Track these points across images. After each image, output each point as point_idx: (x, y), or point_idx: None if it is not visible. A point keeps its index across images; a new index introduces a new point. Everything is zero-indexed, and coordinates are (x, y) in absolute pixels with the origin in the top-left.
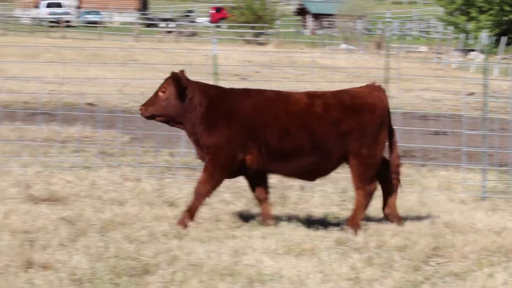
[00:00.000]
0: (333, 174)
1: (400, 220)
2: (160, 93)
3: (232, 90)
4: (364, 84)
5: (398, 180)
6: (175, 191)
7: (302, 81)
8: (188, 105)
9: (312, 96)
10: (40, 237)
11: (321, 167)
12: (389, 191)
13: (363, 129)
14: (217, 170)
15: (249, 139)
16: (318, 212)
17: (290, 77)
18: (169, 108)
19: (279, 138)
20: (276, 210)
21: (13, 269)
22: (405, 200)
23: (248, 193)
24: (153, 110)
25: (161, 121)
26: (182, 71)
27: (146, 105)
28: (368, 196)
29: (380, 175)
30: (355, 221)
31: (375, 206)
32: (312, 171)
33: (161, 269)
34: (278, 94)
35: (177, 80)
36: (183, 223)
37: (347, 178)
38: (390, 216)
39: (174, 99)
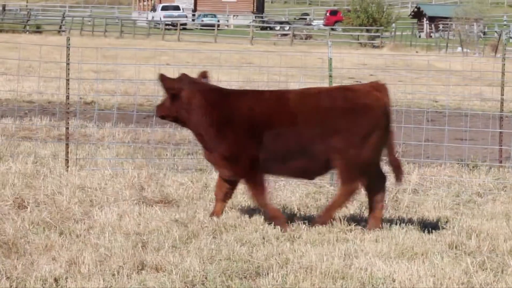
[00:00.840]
0: (445, 178)
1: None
2: (166, 95)
3: (228, 92)
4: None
5: (401, 179)
6: (287, 193)
7: (417, 84)
8: (186, 106)
9: (305, 94)
10: (153, 239)
11: (317, 167)
12: (375, 200)
13: (353, 129)
14: (248, 174)
15: (249, 140)
16: (430, 215)
17: (405, 80)
18: (172, 109)
19: (270, 138)
20: (389, 213)
21: (126, 270)
22: None
23: (360, 197)
24: (161, 111)
25: (171, 121)
26: (204, 72)
27: (158, 105)
28: (349, 194)
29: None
30: (327, 215)
31: (491, 211)
32: (308, 172)
33: (273, 272)
34: (272, 94)
35: (161, 82)
36: (282, 226)
37: (459, 182)
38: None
39: (170, 100)
